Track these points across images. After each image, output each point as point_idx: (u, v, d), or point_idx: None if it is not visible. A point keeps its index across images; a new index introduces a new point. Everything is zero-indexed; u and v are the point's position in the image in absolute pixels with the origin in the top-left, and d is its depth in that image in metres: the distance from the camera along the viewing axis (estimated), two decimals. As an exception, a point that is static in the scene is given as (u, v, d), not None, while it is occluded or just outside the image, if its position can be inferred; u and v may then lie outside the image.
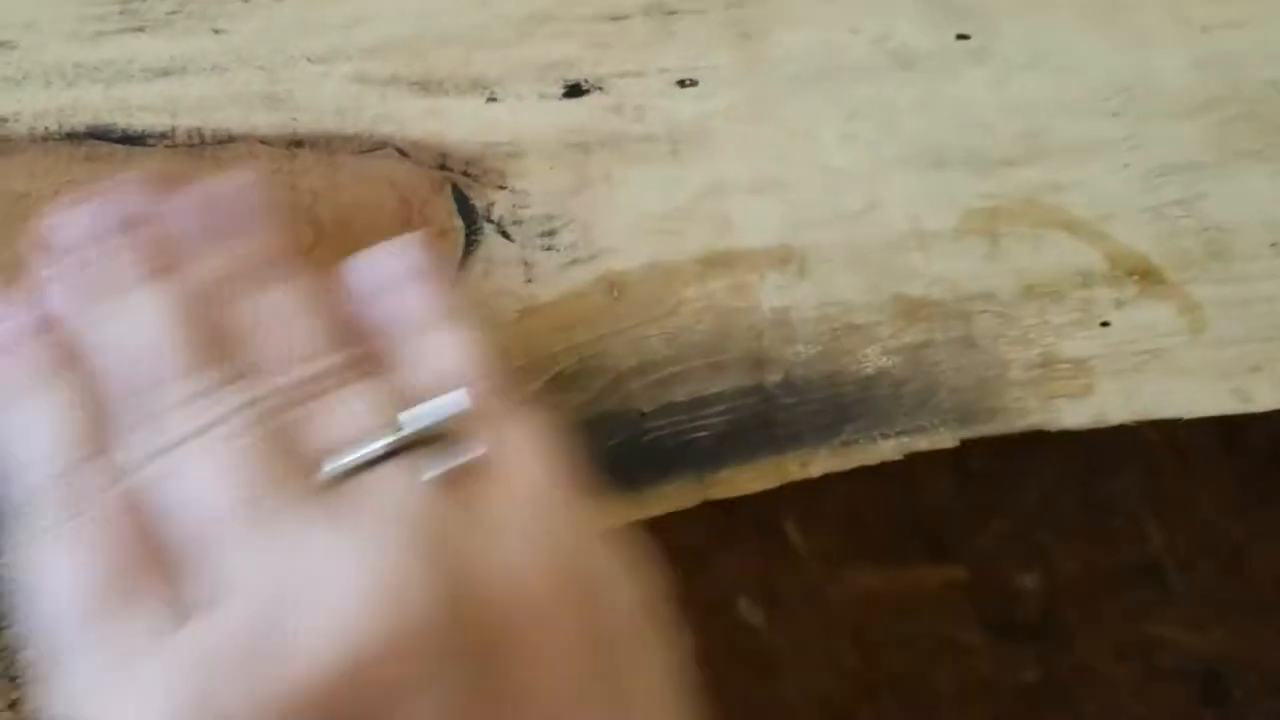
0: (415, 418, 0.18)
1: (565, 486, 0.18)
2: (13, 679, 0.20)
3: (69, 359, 0.19)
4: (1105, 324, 0.24)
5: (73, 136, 0.22)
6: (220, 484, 0.17)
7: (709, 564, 0.56)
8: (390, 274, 0.20)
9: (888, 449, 0.23)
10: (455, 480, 0.18)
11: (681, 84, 0.25)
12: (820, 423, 0.23)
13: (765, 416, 0.23)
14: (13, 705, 0.19)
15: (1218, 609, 0.70)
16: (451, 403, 0.18)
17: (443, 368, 0.19)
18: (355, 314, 0.20)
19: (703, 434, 0.22)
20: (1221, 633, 0.70)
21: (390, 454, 0.18)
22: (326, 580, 0.16)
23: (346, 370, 0.19)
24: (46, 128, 0.22)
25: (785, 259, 0.24)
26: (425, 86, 0.24)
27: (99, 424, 0.18)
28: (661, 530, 0.27)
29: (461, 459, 0.18)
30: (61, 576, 0.17)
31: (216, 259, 0.20)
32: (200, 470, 0.17)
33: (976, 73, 0.25)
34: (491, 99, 0.24)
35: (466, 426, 0.18)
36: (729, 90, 0.25)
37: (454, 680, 0.16)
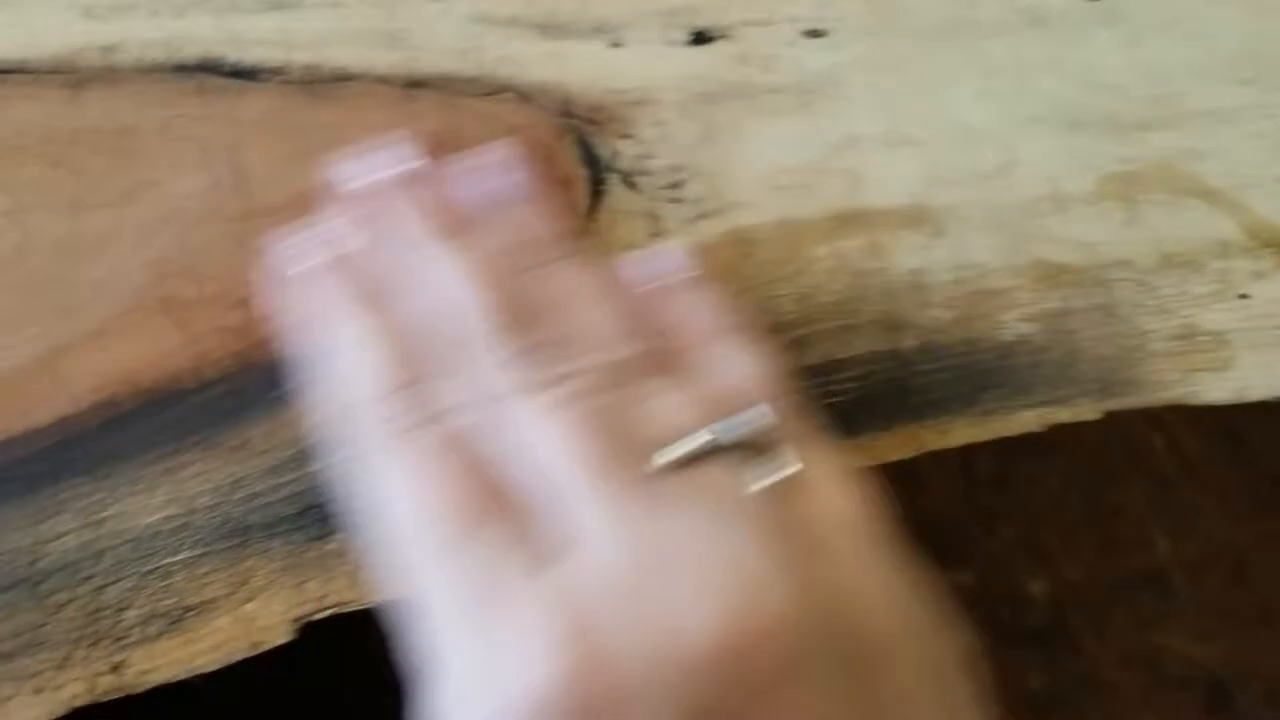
0: (731, 425, 0.18)
1: (875, 520, 0.18)
2: (118, 640, 0.18)
3: (377, 296, 0.19)
4: (1244, 296, 0.23)
5: (182, 69, 0.21)
6: (565, 446, 0.17)
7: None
8: (669, 275, 0.20)
9: (1029, 420, 0.22)
10: (775, 492, 0.18)
11: (810, 34, 0.23)
12: (958, 390, 0.22)
13: (901, 382, 0.21)
14: (115, 668, 0.18)
15: (1224, 618, 0.70)
16: (763, 414, 0.18)
17: (742, 378, 0.19)
18: (642, 307, 0.20)
19: (837, 398, 0.21)
20: (1227, 642, 0.69)
21: (707, 455, 0.18)
22: (698, 558, 0.17)
23: (649, 362, 0.19)
24: (154, 59, 0.21)
25: (919, 218, 0.23)
26: (546, 30, 0.22)
27: (412, 361, 0.18)
28: None
29: (783, 473, 0.18)
30: (408, 497, 0.17)
31: (506, 228, 0.20)
32: (539, 429, 0.18)
33: (1108, 34, 0.25)
34: (615, 44, 0.23)
35: (775, 441, 0.18)
36: (859, 42, 0.23)
37: (832, 681, 0.16)
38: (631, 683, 0.16)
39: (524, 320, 0.19)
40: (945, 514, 0.72)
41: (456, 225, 0.20)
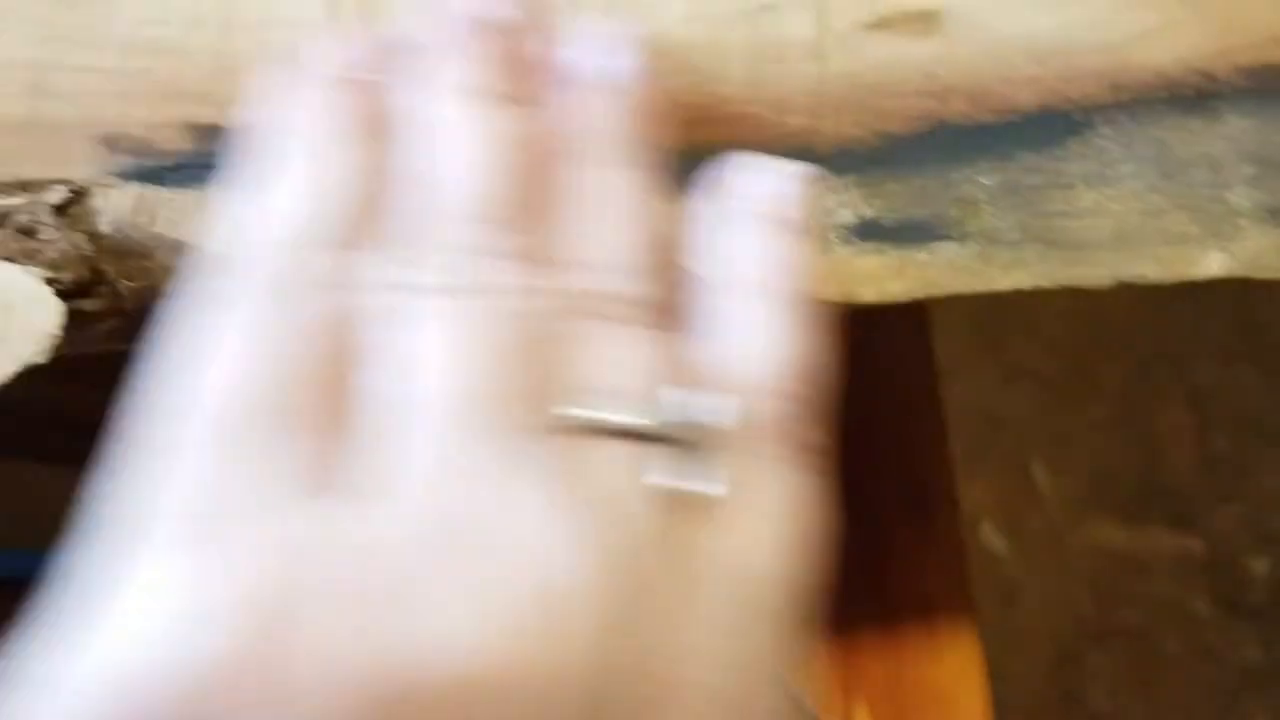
0: (672, 407, 0.15)
1: (788, 591, 0.15)
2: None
3: (371, 134, 0.16)
4: None
5: None
6: (449, 365, 0.14)
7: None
8: (753, 198, 0.18)
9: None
10: (680, 504, 0.15)
11: None
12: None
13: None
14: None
15: None
16: (723, 412, 0.15)
17: (742, 357, 0.16)
18: (691, 237, 0.17)
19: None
20: None
21: (625, 434, 0.15)
22: (499, 553, 0.13)
23: (641, 306, 0.16)
24: None
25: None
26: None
27: (356, 221, 0.16)
28: (890, 372, 0.35)
29: (696, 487, 0.15)
30: (231, 362, 0.14)
31: (573, 111, 0.17)
32: (436, 334, 0.15)
33: None
34: None
35: (719, 449, 0.15)
36: None
37: None
38: (290, 704, 0.12)
39: (518, 220, 0.16)
40: (1180, 482, 0.83)
41: (514, 90, 0.17)
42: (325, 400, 0.14)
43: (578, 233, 0.16)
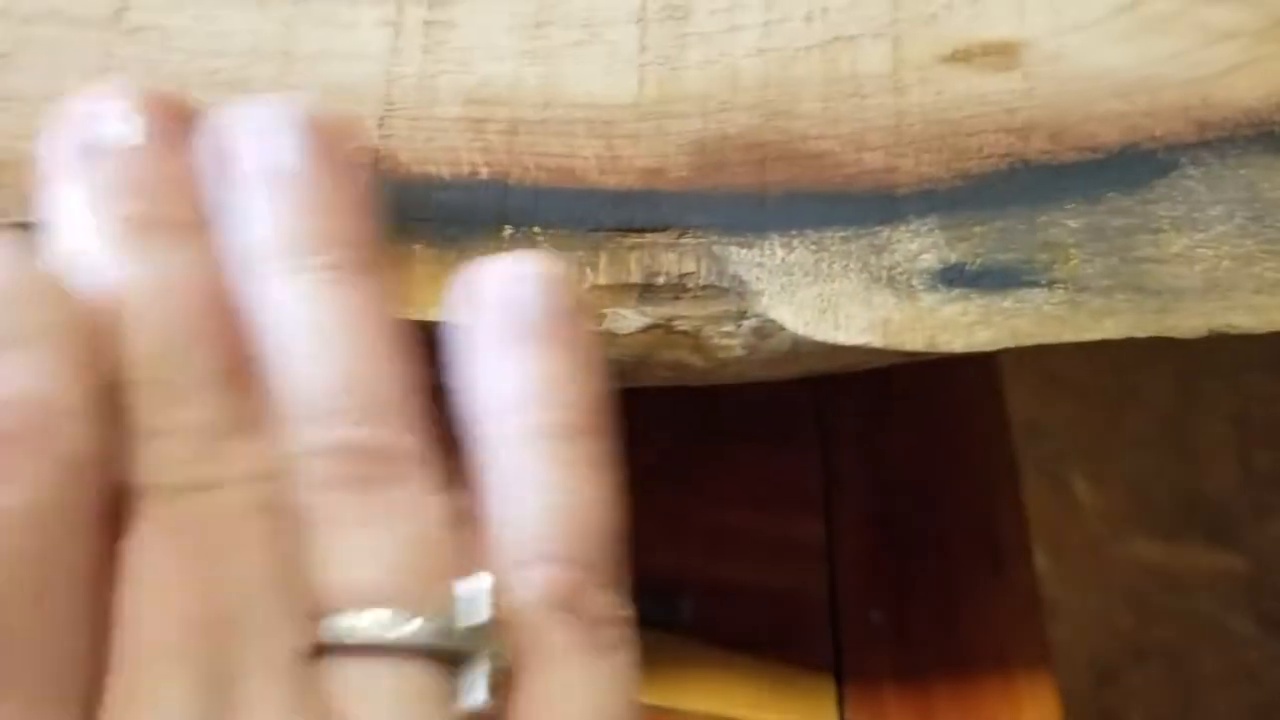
0: (439, 602, 0.13)
1: None
2: None
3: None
4: None
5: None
6: (184, 593, 0.12)
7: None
8: (507, 310, 0.15)
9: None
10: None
11: None
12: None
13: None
14: None
15: None
16: (488, 602, 0.13)
17: (518, 521, 0.14)
18: (450, 363, 0.14)
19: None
20: None
21: (386, 647, 0.12)
22: None
23: (393, 462, 0.13)
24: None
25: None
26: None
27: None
28: (964, 422, 0.38)
29: (471, 701, 0.13)
30: None
31: (291, 224, 0.14)
32: (159, 552, 0.12)
33: None
34: None
35: (500, 643, 0.13)
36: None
37: None
38: None
39: (241, 377, 0.13)
40: (1221, 498, 0.82)
41: (174, 216, 0.14)
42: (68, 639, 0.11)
43: (305, 379, 0.13)
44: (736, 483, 0.29)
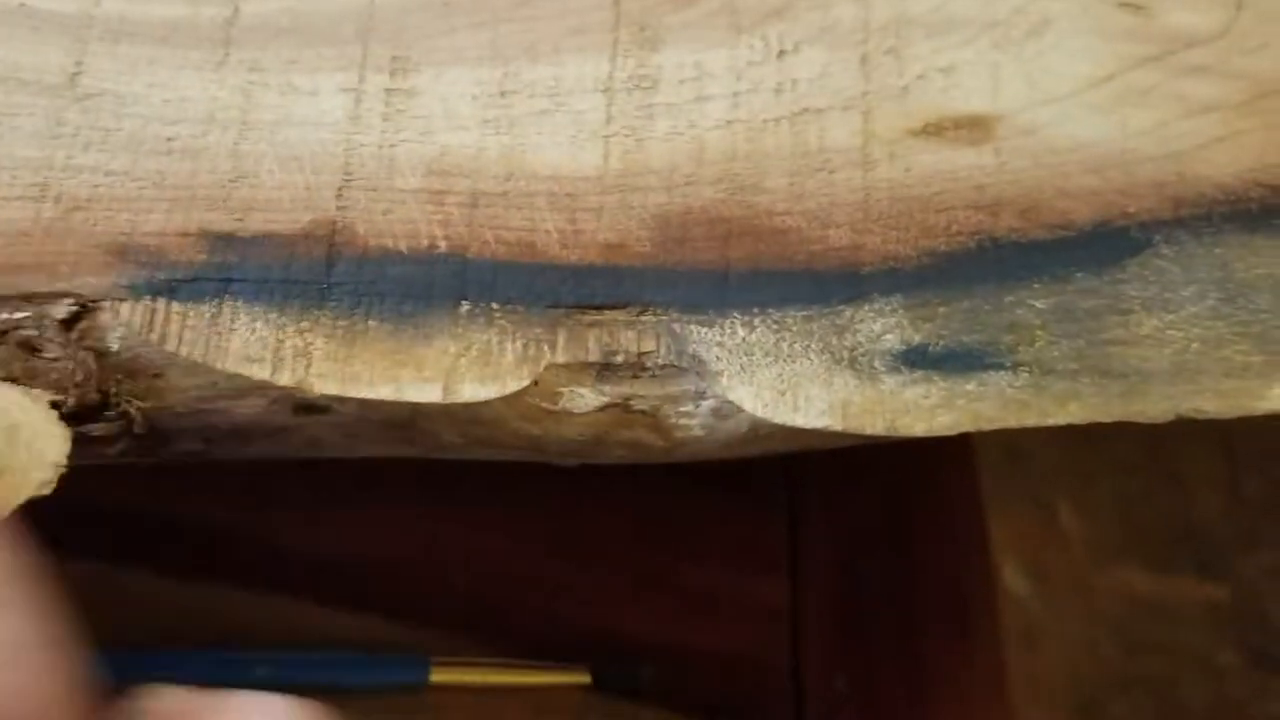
0: None
1: None
2: None
3: None
4: None
5: None
6: None
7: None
8: None
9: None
10: None
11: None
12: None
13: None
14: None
15: None
16: None
17: None
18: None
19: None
20: None
21: None
22: None
23: None
24: None
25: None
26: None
27: None
28: (934, 486, 0.41)
29: None
30: None
31: None
32: None
33: None
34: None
35: None
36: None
37: None
38: None
39: None
40: (1207, 526, 0.82)
41: None
42: None
43: None
44: (703, 542, 0.29)
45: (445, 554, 0.27)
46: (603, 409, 0.21)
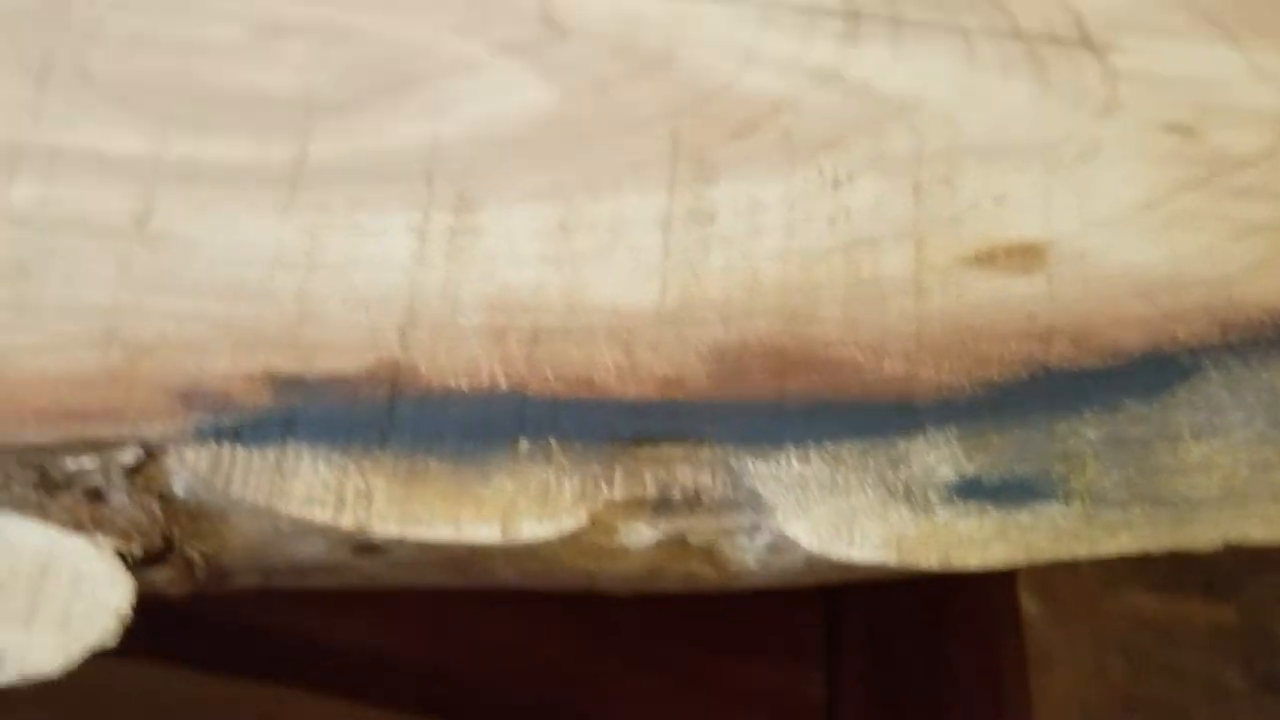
0: None
1: None
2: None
3: None
4: None
5: None
6: None
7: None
8: None
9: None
10: None
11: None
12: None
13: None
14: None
15: None
16: None
17: None
18: None
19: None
20: None
21: None
22: None
23: None
24: None
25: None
26: None
27: None
28: (961, 612, 0.36)
29: None
30: None
31: None
32: None
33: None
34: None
35: None
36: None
37: None
38: None
39: None
40: (1216, 552, 0.82)
41: None
42: None
43: None
44: (739, 633, 0.29)
45: (495, 651, 0.28)
46: (659, 544, 0.22)
